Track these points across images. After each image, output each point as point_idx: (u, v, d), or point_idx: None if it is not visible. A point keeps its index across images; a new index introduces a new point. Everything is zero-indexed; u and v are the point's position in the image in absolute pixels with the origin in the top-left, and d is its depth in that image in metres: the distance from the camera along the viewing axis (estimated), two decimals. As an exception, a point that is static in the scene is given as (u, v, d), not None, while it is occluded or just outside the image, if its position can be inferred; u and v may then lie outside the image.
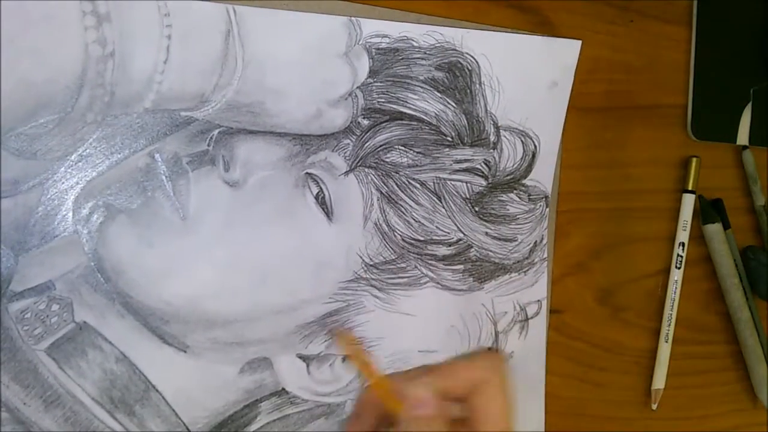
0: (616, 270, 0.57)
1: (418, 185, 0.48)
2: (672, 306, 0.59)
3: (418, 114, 0.48)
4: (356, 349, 0.48)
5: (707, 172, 0.59)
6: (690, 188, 0.58)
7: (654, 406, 0.59)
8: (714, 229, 0.59)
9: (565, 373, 0.55)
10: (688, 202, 0.58)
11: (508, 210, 0.51)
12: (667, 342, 0.59)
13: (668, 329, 0.59)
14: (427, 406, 0.43)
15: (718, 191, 0.60)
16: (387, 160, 0.47)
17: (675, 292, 0.59)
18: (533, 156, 0.51)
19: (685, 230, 0.58)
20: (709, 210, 0.59)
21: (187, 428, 0.45)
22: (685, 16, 0.58)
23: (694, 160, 0.58)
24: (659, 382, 0.59)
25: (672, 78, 0.58)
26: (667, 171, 0.59)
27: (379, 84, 0.47)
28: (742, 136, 0.60)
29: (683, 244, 0.58)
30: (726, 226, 0.60)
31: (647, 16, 0.56)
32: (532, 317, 0.53)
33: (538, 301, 0.53)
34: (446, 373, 0.44)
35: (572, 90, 0.51)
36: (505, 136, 0.50)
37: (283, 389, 0.47)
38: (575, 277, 0.56)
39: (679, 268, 0.58)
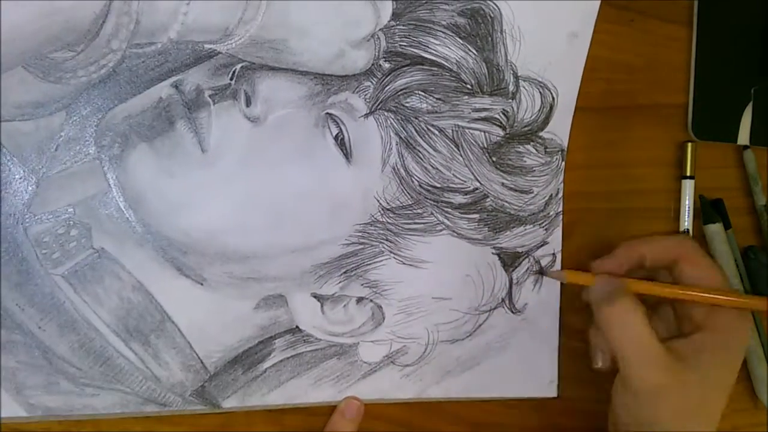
0: (616, 270, 0.57)
1: (436, 132, 0.48)
2: None
3: (439, 60, 0.48)
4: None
5: (708, 172, 0.59)
6: (688, 174, 0.58)
7: None
8: (715, 230, 0.59)
9: (564, 373, 0.55)
10: (689, 187, 0.58)
11: (524, 161, 0.51)
12: None
13: None
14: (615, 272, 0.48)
15: (718, 191, 0.60)
16: (407, 104, 0.47)
17: None
18: (551, 108, 0.51)
19: (688, 217, 0.58)
20: (710, 210, 0.59)
21: (202, 361, 0.45)
22: (685, 16, 0.58)
23: (690, 145, 0.58)
24: None
25: (673, 78, 0.58)
26: (668, 171, 0.59)
27: (401, 27, 0.47)
28: (743, 136, 0.60)
29: (688, 231, 0.58)
30: (727, 226, 0.60)
31: (648, 16, 0.56)
32: (546, 269, 0.53)
33: (553, 254, 0.53)
34: (642, 243, 0.49)
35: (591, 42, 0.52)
36: (524, 87, 0.50)
37: (297, 327, 0.47)
38: (575, 277, 0.56)
39: None
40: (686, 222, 0.58)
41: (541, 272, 0.52)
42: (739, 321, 0.47)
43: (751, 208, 0.62)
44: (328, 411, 0.49)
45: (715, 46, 0.58)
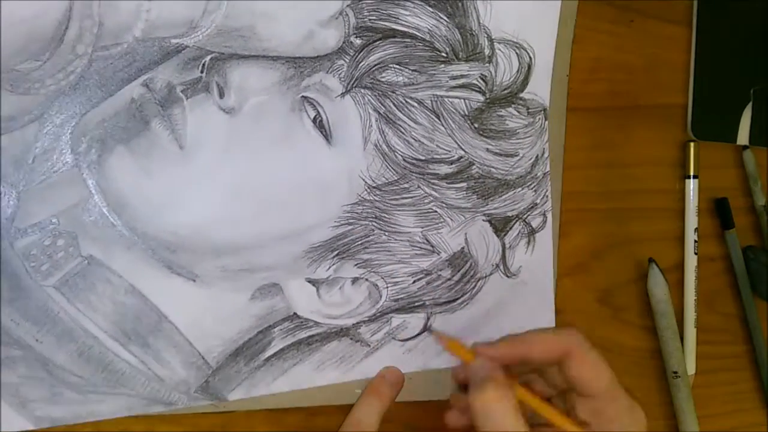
0: (616, 270, 0.58)
1: (415, 104, 0.48)
2: (694, 291, 0.59)
3: (410, 30, 0.47)
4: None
5: (708, 172, 0.59)
6: (692, 174, 0.58)
7: None
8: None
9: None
10: (694, 187, 0.58)
11: (507, 125, 0.50)
12: (694, 327, 0.59)
13: (693, 315, 0.59)
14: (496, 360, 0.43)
15: (718, 191, 0.61)
16: (382, 79, 0.47)
17: (694, 278, 0.59)
18: (529, 68, 0.51)
19: (696, 216, 0.58)
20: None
21: (203, 357, 0.45)
22: (685, 16, 0.58)
23: (692, 144, 0.58)
24: (690, 367, 0.59)
25: (672, 78, 0.58)
26: (668, 171, 0.59)
27: (369, 1, 0.46)
28: (743, 136, 0.60)
29: (696, 230, 0.58)
30: (729, 225, 0.61)
31: (648, 16, 0.56)
32: (537, 231, 0.53)
33: (543, 214, 0.53)
34: (525, 339, 0.45)
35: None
36: (499, 49, 0.49)
37: (295, 314, 0.47)
38: (575, 277, 0.56)
39: (697, 254, 0.59)
40: (692, 221, 0.58)
41: (427, 329, 0.51)
42: (629, 416, 0.44)
43: (750, 208, 0.62)
44: (329, 410, 0.49)
45: (715, 46, 0.58)
